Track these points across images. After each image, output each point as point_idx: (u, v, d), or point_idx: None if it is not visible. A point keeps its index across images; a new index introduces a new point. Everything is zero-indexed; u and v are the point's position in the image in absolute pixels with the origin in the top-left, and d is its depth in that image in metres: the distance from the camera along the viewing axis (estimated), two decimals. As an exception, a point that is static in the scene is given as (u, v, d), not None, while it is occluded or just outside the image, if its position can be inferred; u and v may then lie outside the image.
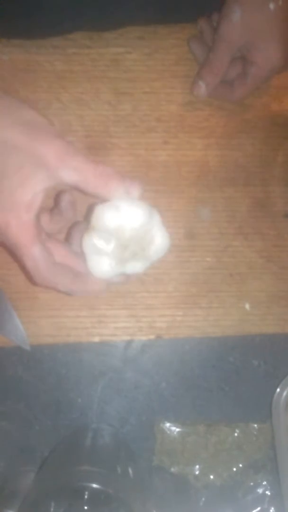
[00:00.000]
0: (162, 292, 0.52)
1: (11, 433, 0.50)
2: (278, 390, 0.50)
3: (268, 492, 0.50)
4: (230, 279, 0.53)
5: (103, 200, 0.39)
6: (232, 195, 0.53)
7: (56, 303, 0.51)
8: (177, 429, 0.51)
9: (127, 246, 0.40)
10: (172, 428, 0.51)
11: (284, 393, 0.50)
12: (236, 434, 0.51)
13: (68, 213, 0.43)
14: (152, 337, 0.52)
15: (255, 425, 0.51)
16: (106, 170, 0.38)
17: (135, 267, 0.41)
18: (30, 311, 0.51)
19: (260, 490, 0.50)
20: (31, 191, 0.37)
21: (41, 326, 0.51)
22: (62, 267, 0.40)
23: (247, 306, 0.52)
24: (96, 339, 0.51)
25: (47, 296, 0.51)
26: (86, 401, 0.51)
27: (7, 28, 0.52)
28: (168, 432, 0.51)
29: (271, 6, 0.48)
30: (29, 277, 0.40)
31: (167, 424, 0.51)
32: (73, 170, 0.37)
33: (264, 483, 0.50)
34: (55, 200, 0.44)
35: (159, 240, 0.41)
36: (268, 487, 0.50)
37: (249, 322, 0.52)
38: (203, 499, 0.50)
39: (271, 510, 0.50)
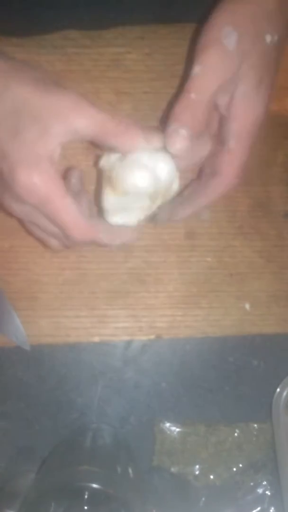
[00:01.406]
0: (162, 292, 0.52)
1: (11, 433, 0.50)
2: (278, 390, 0.50)
3: (268, 492, 0.50)
4: (230, 279, 0.53)
5: (121, 152, 0.38)
6: (232, 195, 0.53)
7: (56, 303, 0.51)
8: (177, 429, 0.51)
9: (153, 199, 0.39)
10: (172, 428, 0.51)
11: (284, 393, 0.50)
12: (236, 434, 0.51)
13: (78, 189, 0.42)
14: (152, 337, 0.52)
15: (255, 425, 0.51)
16: (124, 119, 0.37)
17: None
18: (30, 311, 0.51)
19: (260, 490, 0.50)
20: (53, 142, 0.36)
21: (41, 326, 0.51)
22: (97, 217, 0.40)
23: (247, 306, 0.52)
24: (96, 339, 0.51)
25: (47, 296, 0.51)
26: (86, 401, 0.51)
27: (5, 25, 0.52)
28: (168, 432, 0.51)
29: (268, 38, 0.39)
30: (66, 237, 0.39)
31: (167, 424, 0.51)
32: (91, 120, 0.36)
33: (264, 483, 0.50)
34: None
35: (175, 186, 0.40)
36: (268, 487, 0.50)
37: (249, 322, 0.52)
38: (203, 499, 0.50)
39: (271, 510, 0.50)
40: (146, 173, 0.37)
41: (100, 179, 0.41)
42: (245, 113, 0.39)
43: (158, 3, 0.51)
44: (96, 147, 0.40)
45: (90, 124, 0.36)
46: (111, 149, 0.39)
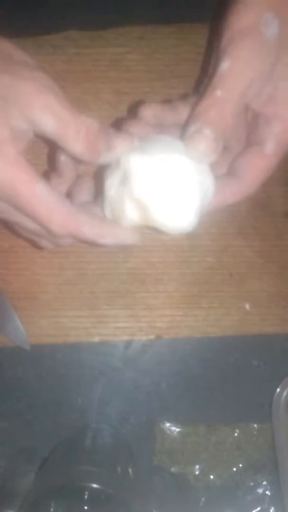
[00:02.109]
0: (162, 292, 0.52)
1: (11, 433, 0.50)
2: (278, 390, 0.50)
3: (268, 492, 0.50)
4: (230, 279, 0.53)
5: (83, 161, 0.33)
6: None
7: (56, 303, 0.51)
8: (177, 429, 0.51)
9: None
10: (172, 428, 0.51)
11: (284, 393, 0.50)
12: (236, 434, 0.51)
13: (68, 173, 0.38)
14: (152, 337, 0.52)
15: (255, 425, 0.51)
16: (87, 120, 0.32)
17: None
18: (30, 311, 0.51)
19: (260, 490, 0.50)
20: (8, 125, 0.31)
21: (41, 326, 0.51)
22: (82, 207, 0.34)
23: (247, 306, 0.52)
24: (96, 339, 0.51)
25: (47, 296, 0.51)
26: (86, 401, 0.51)
27: (5, 25, 0.52)
28: (168, 432, 0.51)
29: None
30: (48, 231, 0.33)
31: (167, 424, 0.51)
32: (50, 114, 0.31)
33: (264, 483, 0.50)
34: (49, 162, 0.39)
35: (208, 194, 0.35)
36: (268, 487, 0.50)
37: (249, 322, 0.52)
38: (203, 499, 0.50)
39: (271, 510, 0.50)
40: (152, 162, 0.33)
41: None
42: None
43: (158, 3, 0.51)
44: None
45: (50, 120, 0.31)
46: (71, 155, 0.34)
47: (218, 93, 0.32)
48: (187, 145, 0.32)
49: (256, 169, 0.35)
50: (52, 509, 0.40)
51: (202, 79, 0.35)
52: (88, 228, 0.34)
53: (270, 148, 0.34)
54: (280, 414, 0.49)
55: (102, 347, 0.51)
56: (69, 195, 0.39)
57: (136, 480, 0.45)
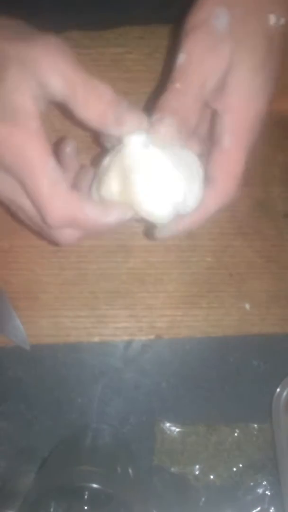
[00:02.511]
0: (162, 292, 0.52)
1: (11, 433, 0.50)
2: (278, 390, 0.50)
3: (268, 492, 0.50)
4: (230, 279, 0.53)
5: (90, 126, 0.32)
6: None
7: (56, 303, 0.51)
8: (177, 429, 0.51)
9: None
10: (172, 428, 0.51)
11: (284, 393, 0.50)
12: (236, 434, 0.51)
13: (72, 162, 0.37)
14: (152, 337, 0.52)
15: (255, 425, 0.51)
16: (99, 86, 0.31)
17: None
18: (30, 311, 0.51)
19: (260, 490, 0.50)
20: (31, 95, 0.30)
21: (41, 326, 0.51)
22: (69, 163, 0.34)
23: (247, 306, 0.52)
24: (96, 339, 0.51)
25: (47, 296, 0.51)
26: (86, 401, 0.51)
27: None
28: (168, 432, 0.51)
29: (272, 19, 0.33)
30: (44, 208, 0.32)
31: (167, 424, 0.51)
32: (59, 76, 0.31)
33: (264, 483, 0.50)
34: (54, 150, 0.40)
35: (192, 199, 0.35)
36: (268, 487, 0.50)
37: (249, 322, 0.52)
38: (203, 499, 0.50)
39: (271, 510, 0.50)
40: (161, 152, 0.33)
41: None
42: (241, 105, 0.33)
43: (158, 3, 0.51)
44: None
45: (59, 82, 0.31)
46: (80, 121, 0.33)
47: (177, 85, 0.32)
48: (150, 132, 0.32)
49: (223, 168, 0.35)
50: (52, 509, 0.40)
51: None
52: (89, 209, 0.33)
53: (227, 142, 0.34)
54: (280, 414, 0.49)
55: (102, 347, 0.51)
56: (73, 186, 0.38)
57: (136, 480, 0.45)
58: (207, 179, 0.35)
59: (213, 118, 0.35)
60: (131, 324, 0.52)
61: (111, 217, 0.34)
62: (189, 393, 0.51)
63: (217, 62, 0.33)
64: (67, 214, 0.32)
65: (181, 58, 0.33)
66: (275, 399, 0.50)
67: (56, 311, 0.51)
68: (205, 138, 0.37)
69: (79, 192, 0.34)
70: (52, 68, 0.31)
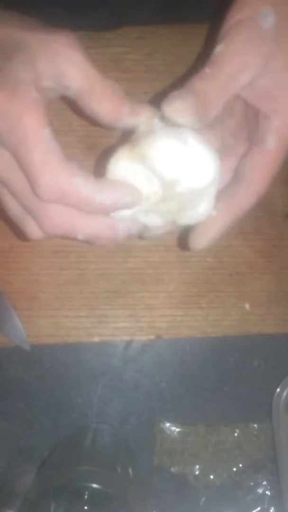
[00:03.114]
0: (162, 292, 0.52)
1: (11, 433, 0.50)
2: (278, 390, 0.50)
3: (268, 492, 0.50)
4: (230, 279, 0.53)
5: (102, 121, 0.32)
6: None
7: (56, 303, 0.51)
8: (177, 429, 0.51)
9: (167, 199, 0.32)
10: (172, 428, 0.51)
11: (284, 393, 0.50)
12: (236, 434, 0.51)
13: None
14: (152, 337, 0.52)
15: (255, 425, 0.51)
16: (113, 85, 0.32)
17: (159, 222, 0.34)
18: (30, 311, 0.51)
19: (260, 490, 0.50)
20: (38, 70, 0.31)
21: (41, 326, 0.51)
22: (80, 169, 0.31)
23: (247, 306, 0.52)
24: (96, 339, 0.51)
25: (47, 296, 0.51)
26: (86, 401, 0.51)
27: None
28: (168, 432, 0.51)
29: None
30: (35, 175, 0.30)
31: (167, 424, 0.51)
32: (80, 70, 0.31)
33: (264, 483, 0.50)
34: None
35: (204, 205, 0.33)
36: (268, 487, 0.50)
37: (249, 322, 0.52)
38: (203, 499, 0.50)
39: (271, 510, 0.50)
40: (179, 145, 0.31)
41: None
42: None
43: (158, 3, 0.51)
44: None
45: (78, 74, 0.31)
46: (92, 115, 0.33)
47: (207, 70, 0.32)
48: (163, 107, 0.31)
49: (260, 167, 0.34)
50: (52, 509, 0.40)
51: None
52: (82, 181, 0.31)
53: (271, 144, 0.33)
54: (280, 414, 0.49)
55: (102, 347, 0.51)
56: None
57: (136, 480, 0.45)
58: (238, 176, 0.35)
59: (255, 118, 0.35)
60: (131, 324, 0.52)
61: (104, 196, 0.31)
62: (189, 393, 0.51)
63: (255, 57, 0.32)
64: (58, 185, 0.31)
65: (219, 48, 0.32)
66: (275, 399, 0.50)
67: (55, 311, 0.51)
68: (230, 134, 0.36)
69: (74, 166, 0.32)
70: (73, 61, 0.31)
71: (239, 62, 0.32)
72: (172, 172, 0.31)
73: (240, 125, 0.36)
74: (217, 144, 0.36)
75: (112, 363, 0.51)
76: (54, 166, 0.30)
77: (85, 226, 0.33)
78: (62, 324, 0.51)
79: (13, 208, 0.34)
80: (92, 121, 0.34)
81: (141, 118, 0.33)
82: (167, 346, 0.52)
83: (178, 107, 0.31)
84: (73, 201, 0.31)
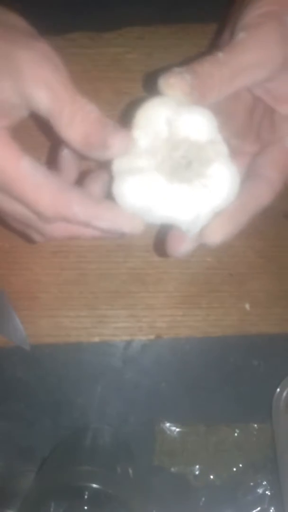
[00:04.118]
0: (162, 292, 0.52)
1: (11, 433, 0.50)
2: (278, 390, 0.50)
3: (268, 492, 0.50)
4: (230, 279, 0.53)
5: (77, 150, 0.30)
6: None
7: (56, 303, 0.51)
8: (177, 429, 0.51)
9: (179, 164, 0.30)
10: (172, 428, 0.51)
11: (284, 393, 0.50)
12: (236, 434, 0.51)
13: (69, 169, 0.34)
14: (152, 337, 0.52)
15: (255, 425, 0.51)
16: (87, 105, 0.29)
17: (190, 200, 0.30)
18: (30, 311, 0.51)
19: (260, 490, 0.50)
20: (1, 87, 0.28)
21: (41, 326, 0.51)
22: (74, 186, 0.31)
23: (247, 306, 0.52)
24: (96, 339, 0.51)
25: (47, 296, 0.51)
26: (86, 401, 0.51)
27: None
28: (168, 432, 0.51)
29: None
30: (36, 207, 0.30)
31: (167, 424, 0.51)
32: (45, 89, 0.28)
33: (264, 483, 0.50)
34: (50, 156, 0.36)
35: (216, 165, 0.30)
36: (268, 487, 0.50)
37: (249, 322, 0.52)
38: (203, 499, 0.50)
39: (271, 510, 0.50)
40: (171, 113, 0.29)
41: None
42: None
43: (158, 3, 0.51)
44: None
45: (44, 95, 0.28)
46: (63, 140, 0.30)
47: (220, 54, 0.29)
48: (159, 79, 0.29)
49: (280, 165, 0.33)
50: (52, 509, 0.40)
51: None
52: (80, 208, 0.30)
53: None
54: (280, 414, 0.49)
55: (102, 347, 0.51)
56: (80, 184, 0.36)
57: (136, 480, 0.45)
58: (254, 173, 0.34)
59: (268, 118, 0.34)
60: (131, 324, 0.52)
61: (102, 223, 0.31)
62: (189, 393, 0.51)
63: (277, 55, 0.30)
64: (57, 212, 0.30)
65: (240, 35, 0.30)
66: (275, 399, 0.50)
67: (56, 311, 0.51)
68: (235, 136, 0.35)
69: (68, 188, 0.31)
70: (39, 81, 0.28)
71: (258, 55, 0.30)
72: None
73: (244, 126, 0.35)
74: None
75: (112, 363, 0.51)
76: (48, 197, 0.30)
77: (87, 234, 0.33)
78: (62, 324, 0.51)
79: (18, 226, 0.35)
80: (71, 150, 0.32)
81: (113, 151, 0.30)
82: (167, 346, 0.52)
83: (172, 82, 0.29)
84: (73, 222, 0.32)
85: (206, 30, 0.54)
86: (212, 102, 0.30)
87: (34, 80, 0.28)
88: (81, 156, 0.32)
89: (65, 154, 0.34)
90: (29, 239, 0.37)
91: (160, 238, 0.37)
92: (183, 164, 0.30)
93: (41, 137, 0.36)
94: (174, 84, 0.29)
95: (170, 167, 0.30)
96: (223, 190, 0.31)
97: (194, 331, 0.52)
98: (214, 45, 0.32)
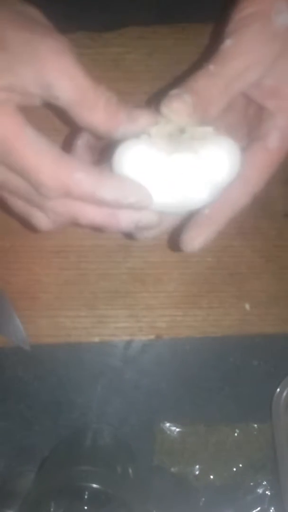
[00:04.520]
0: (162, 292, 0.52)
1: (11, 433, 0.50)
2: (278, 390, 0.50)
3: (268, 492, 0.50)
4: (230, 279, 0.53)
5: (98, 133, 0.31)
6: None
7: (56, 303, 0.51)
8: (177, 429, 0.51)
9: (180, 140, 0.31)
10: (172, 428, 0.51)
11: (284, 393, 0.50)
12: (236, 434, 0.51)
13: (84, 155, 0.35)
14: (152, 337, 0.52)
15: (255, 425, 0.51)
16: (107, 91, 0.30)
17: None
18: (30, 311, 0.51)
19: (260, 490, 0.50)
20: (7, 81, 0.29)
21: (41, 326, 0.51)
22: (81, 158, 0.31)
23: (247, 306, 0.52)
24: (96, 339, 0.51)
25: (47, 296, 0.51)
26: (86, 401, 0.51)
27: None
28: (168, 432, 0.51)
29: None
30: (36, 179, 0.29)
31: (167, 424, 0.51)
32: (69, 79, 0.29)
33: (264, 483, 0.50)
34: (64, 145, 0.36)
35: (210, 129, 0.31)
36: (268, 487, 0.50)
37: (249, 322, 0.52)
38: (203, 499, 0.50)
39: (271, 510, 0.50)
40: None
41: None
42: None
43: (158, 3, 0.51)
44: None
45: (67, 85, 0.29)
46: (85, 125, 0.31)
47: (211, 67, 0.31)
48: (161, 106, 0.30)
49: (260, 165, 0.33)
50: (52, 509, 0.40)
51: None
52: (84, 175, 0.30)
53: (273, 142, 0.33)
54: (280, 414, 0.49)
55: (102, 347, 0.51)
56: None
57: (136, 480, 0.45)
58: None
59: (257, 115, 0.34)
60: (131, 324, 0.52)
61: (107, 193, 0.30)
62: (189, 393, 0.51)
63: (265, 56, 0.31)
64: (59, 183, 0.30)
65: (227, 43, 0.31)
66: (275, 399, 0.50)
67: (56, 311, 0.51)
68: (229, 129, 0.35)
69: (69, 158, 0.31)
70: (62, 70, 0.29)
71: (247, 60, 0.30)
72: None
73: (240, 121, 0.35)
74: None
75: (112, 363, 0.51)
76: (50, 165, 0.30)
77: (90, 214, 0.32)
78: (62, 324, 0.51)
79: (19, 206, 0.34)
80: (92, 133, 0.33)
81: (140, 124, 0.31)
82: (167, 346, 0.52)
83: (175, 107, 0.30)
84: (76, 196, 0.31)
85: (206, 30, 0.54)
86: (215, 115, 0.31)
87: (57, 69, 0.29)
88: (99, 140, 0.32)
89: (80, 145, 0.34)
90: (30, 226, 0.35)
91: (174, 234, 0.37)
92: (185, 138, 0.31)
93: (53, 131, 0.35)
94: (177, 109, 0.30)
95: (171, 141, 0.31)
96: (224, 164, 0.31)
97: (194, 331, 0.52)
98: (213, 46, 0.32)
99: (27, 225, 0.35)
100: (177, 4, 0.52)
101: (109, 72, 0.54)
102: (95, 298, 0.52)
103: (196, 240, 0.34)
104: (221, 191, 0.32)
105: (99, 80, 0.31)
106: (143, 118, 0.31)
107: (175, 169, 0.30)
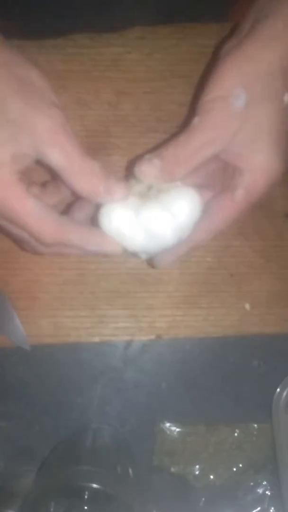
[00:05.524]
0: (162, 292, 0.52)
1: (11, 433, 0.50)
2: (278, 390, 0.50)
3: (268, 492, 0.50)
4: (230, 279, 0.53)
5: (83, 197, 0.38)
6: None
7: (56, 303, 0.51)
8: (177, 429, 0.51)
9: (148, 191, 0.39)
10: (172, 428, 0.51)
11: (284, 393, 0.50)
12: (236, 434, 0.51)
13: (66, 188, 0.40)
14: (152, 337, 0.52)
15: (255, 425, 0.51)
16: (91, 162, 0.36)
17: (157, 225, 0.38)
18: (30, 311, 0.51)
19: (260, 490, 0.50)
20: (12, 149, 0.35)
21: (41, 326, 0.51)
22: (70, 219, 0.39)
23: (247, 306, 0.52)
24: (96, 339, 0.51)
25: (47, 296, 0.51)
26: (86, 401, 0.51)
27: (5, 28, 0.52)
28: (168, 432, 0.51)
29: (286, 98, 0.37)
30: (38, 237, 0.37)
31: (167, 424, 0.51)
32: (61, 152, 0.35)
33: (264, 483, 0.50)
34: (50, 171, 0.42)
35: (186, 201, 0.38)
36: (268, 487, 0.50)
37: (249, 322, 0.52)
38: (203, 499, 0.50)
39: (271, 510, 0.50)
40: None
41: None
42: (262, 171, 0.38)
43: (158, 3, 0.51)
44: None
45: (57, 155, 0.35)
46: (71, 189, 0.38)
47: (181, 138, 0.37)
48: (135, 167, 0.37)
49: (224, 211, 0.39)
50: (52, 509, 0.40)
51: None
52: (75, 235, 0.38)
53: (240, 195, 0.38)
54: (280, 414, 0.49)
55: (102, 347, 0.51)
56: (68, 209, 0.43)
57: (136, 480, 0.45)
58: (205, 211, 0.39)
59: (229, 166, 0.39)
60: (131, 324, 0.52)
61: (90, 247, 0.39)
62: (189, 393, 0.51)
63: (224, 134, 0.37)
64: (55, 239, 0.38)
65: (195, 120, 0.37)
66: (275, 399, 0.50)
67: (56, 311, 0.51)
68: (210, 176, 0.41)
69: (65, 221, 0.38)
70: (56, 146, 0.35)
71: (208, 137, 0.37)
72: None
73: (220, 170, 0.40)
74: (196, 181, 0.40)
75: (112, 363, 0.52)
76: (50, 229, 0.37)
77: (73, 253, 0.42)
78: (62, 324, 0.51)
79: (16, 234, 0.40)
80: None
81: (116, 196, 0.37)
82: (167, 346, 0.52)
83: (144, 169, 0.37)
84: (67, 246, 0.39)
85: (206, 30, 0.54)
86: (180, 178, 0.38)
87: (50, 143, 0.35)
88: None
89: (77, 208, 0.42)
90: (21, 247, 0.43)
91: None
92: (152, 193, 0.39)
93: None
94: (146, 171, 0.37)
95: (142, 197, 0.39)
96: (184, 210, 0.38)
97: (194, 331, 0.52)
98: (217, 47, 0.36)
99: (18, 245, 0.43)
100: (177, 4, 0.52)
101: (109, 72, 0.54)
102: (95, 298, 0.52)
103: (165, 260, 0.42)
104: (187, 231, 0.39)
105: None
106: (118, 193, 0.37)
107: (144, 221, 0.38)
